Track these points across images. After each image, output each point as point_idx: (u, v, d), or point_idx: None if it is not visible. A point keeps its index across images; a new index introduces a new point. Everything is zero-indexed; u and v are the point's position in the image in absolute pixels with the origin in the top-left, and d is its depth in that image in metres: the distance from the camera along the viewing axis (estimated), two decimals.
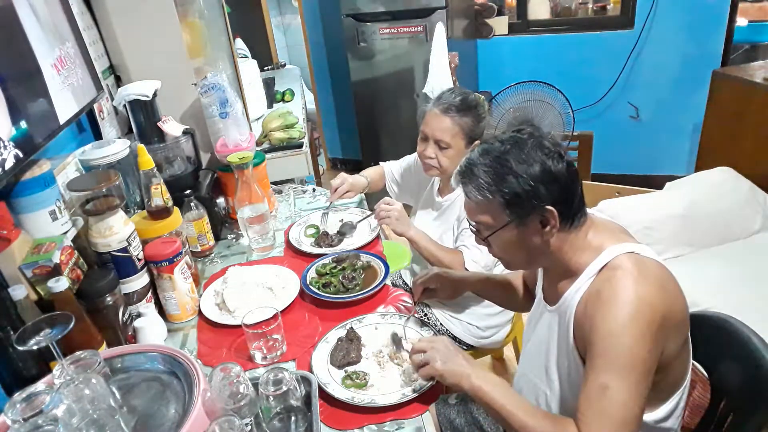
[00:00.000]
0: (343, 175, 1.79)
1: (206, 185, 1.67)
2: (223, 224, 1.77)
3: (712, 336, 1.10)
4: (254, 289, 1.38)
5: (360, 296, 1.36)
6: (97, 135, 1.62)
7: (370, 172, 1.91)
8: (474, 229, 1.05)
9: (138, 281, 1.27)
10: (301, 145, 2.43)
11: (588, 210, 1.03)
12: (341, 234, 1.68)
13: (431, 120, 1.57)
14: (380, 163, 1.96)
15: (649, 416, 0.99)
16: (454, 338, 1.71)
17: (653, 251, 0.99)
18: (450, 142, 1.55)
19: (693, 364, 1.85)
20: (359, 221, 1.70)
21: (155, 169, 1.38)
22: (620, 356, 0.87)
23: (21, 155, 1.01)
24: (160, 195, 1.37)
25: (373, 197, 1.97)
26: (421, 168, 1.68)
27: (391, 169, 1.92)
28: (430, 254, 1.57)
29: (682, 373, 1.01)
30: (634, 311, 0.88)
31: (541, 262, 1.08)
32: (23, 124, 1.04)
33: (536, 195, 0.94)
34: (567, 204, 0.97)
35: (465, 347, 1.73)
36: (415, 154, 1.76)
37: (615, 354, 0.87)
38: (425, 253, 1.58)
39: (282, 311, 1.30)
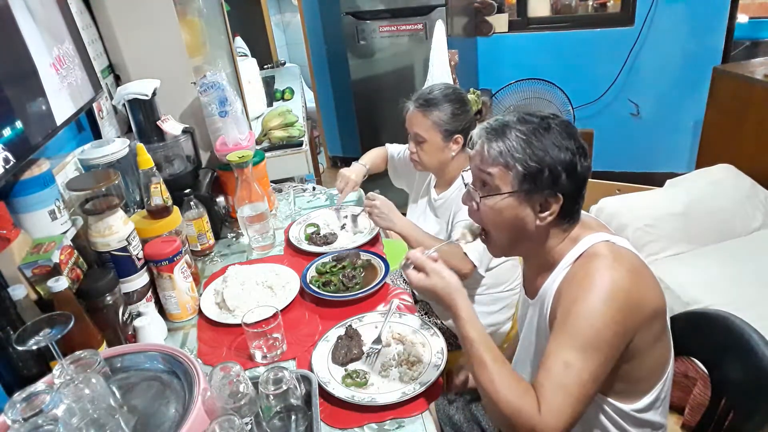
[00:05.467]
0: (342, 173, 1.79)
1: (206, 184, 1.67)
2: (222, 223, 1.77)
3: (713, 333, 1.10)
4: (254, 288, 1.38)
5: (360, 295, 1.36)
6: (97, 134, 1.62)
7: (371, 156, 1.93)
8: (473, 187, 1.03)
9: (138, 280, 1.27)
10: (300, 144, 2.43)
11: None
12: (343, 228, 1.69)
13: (408, 116, 1.63)
14: (388, 145, 1.97)
15: (629, 406, 0.99)
16: (455, 336, 1.71)
17: (628, 243, 1.00)
18: (425, 136, 1.58)
19: (693, 360, 1.86)
20: (356, 215, 1.71)
21: (155, 168, 1.38)
22: (588, 337, 0.87)
23: (12, 159, 1.00)
24: (159, 194, 1.37)
25: (372, 185, 1.97)
26: None
27: (393, 153, 1.95)
28: (418, 246, 1.55)
29: (660, 366, 1.01)
30: (607, 295, 0.89)
31: (522, 247, 1.06)
32: (18, 125, 1.04)
33: (556, 180, 0.95)
34: (573, 200, 0.98)
35: None
36: None
37: (583, 334, 0.88)
38: (416, 246, 1.56)
39: (282, 310, 1.30)
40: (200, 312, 1.37)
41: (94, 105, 1.57)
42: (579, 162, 0.96)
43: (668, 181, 2.53)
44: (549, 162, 0.94)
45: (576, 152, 0.95)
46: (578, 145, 0.96)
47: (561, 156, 0.94)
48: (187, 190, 1.61)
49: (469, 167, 1.07)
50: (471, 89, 2.74)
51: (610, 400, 0.99)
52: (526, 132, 0.96)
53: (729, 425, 1.07)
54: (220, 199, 1.78)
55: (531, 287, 1.10)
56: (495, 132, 0.99)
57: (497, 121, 1.01)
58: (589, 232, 1.00)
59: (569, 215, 1.00)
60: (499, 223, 1.02)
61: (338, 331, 1.23)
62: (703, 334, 1.10)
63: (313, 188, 2.04)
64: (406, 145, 1.89)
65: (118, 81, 1.75)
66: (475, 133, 1.02)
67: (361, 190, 1.91)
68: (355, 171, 1.82)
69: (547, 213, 0.97)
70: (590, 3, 3.58)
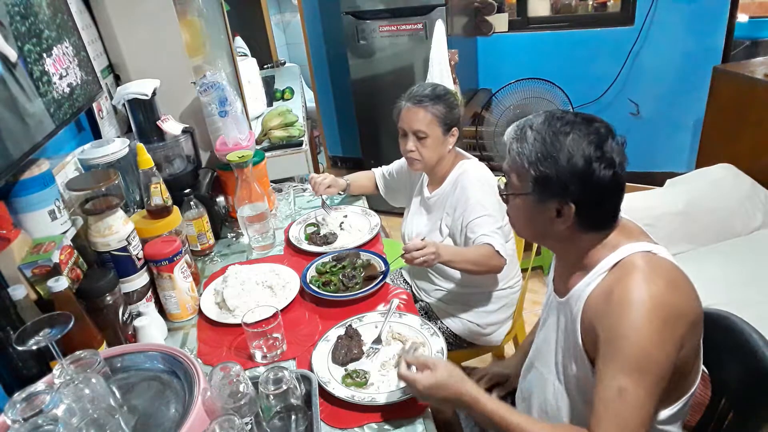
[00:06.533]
0: (312, 176, 1.83)
1: (206, 184, 1.67)
2: (222, 223, 1.77)
3: (713, 333, 1.10)
4: (254, 288, 1.38)
5: (360, 294, 1.36)
6: (97, 134, 1.62)
7: (354, 176, 1.94)
8: (503, 183, 1.06)
9: (138, 280, 1.27)
10: (300, 144, 2.43)
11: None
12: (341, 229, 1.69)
13: (406, 115, 1.62)
14: (375, 168, 1.96)
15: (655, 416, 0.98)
16: (455, 336, 1.71)
17: (667, 252, 0.97)
18: (426, 131, 1.58)
19: None
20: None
21: (155, 168, 1.38)
22: (636, 358, 0.85)
23: None
24: (159, 194, 1.37)
25: (372, 199, 1.97)
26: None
27: (382, 173, 1.93)
28: (465, 263, 1.48)
29: (694, 376, 0.99)
30: (648, 311, 0.86)
31: (550, 245, 1.07)
32: None
33: (564, 187, 0.93)
34: (592, 209, 0.95)
35: (465, 345, 1.73)
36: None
37: (630, 355, 0.85)
38: (461, 267, 1.51)
39: (282, 310, 1.30)
40: (200, 312, 1.37)
41: (94, 105, 1.57)
42: (597, 170, 0.91)
43: (668, 181, 2.53)
44: (559, 169, 0.92)
45: (595, 160, 0.91)
46: (601, 153, 0.92)
47: (573, 162, 0.91)
48: (187, 190, 1.61)
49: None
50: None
51: None
52: (542, 136, 0.94)
53: (729, 425, 1.07)
54: (220, 199, 1.78)
55: (561, 285, 1.07)
56: (519, 131, 0.98)
57: (527, 120, 0.99)
58: (628, 239, 0.97)
59: (592, 223, 0.97)
60: (522, 221, 1.04)
61: (338, 331, 1.23)
62: (704, 334, 1.10)
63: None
64: (395, 162, 1.90)
65: (118, 81, 1.75)
66: (507, 131, 1.02)
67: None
68: (329, 176, 1.83)
69: (562, 219, 0.96)
70: (590, 2, 3.58)
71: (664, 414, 0.98)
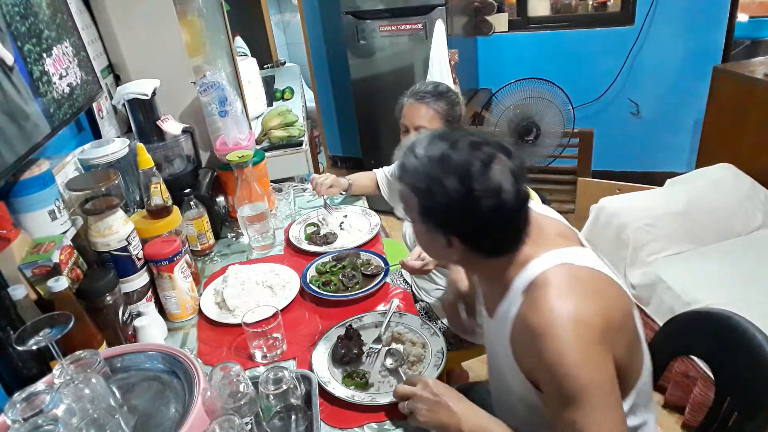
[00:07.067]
0: (313, 177, 1.83)
1: (206, 184, 1.67)
2: (222, 223, 1.77)
3: (716, 333, 1.09)
4: (254, 288, 1.38)
5: (360, 294, 1.36)
6: (96, 134, 1.62)
7: (356, 176, 1.93)
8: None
9: (138, 280, 1.27)
10: (300, 143, 2.43)
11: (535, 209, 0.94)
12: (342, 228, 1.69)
13: (408, 111, 1.63)
14: (376, 169, 1.96)
15: None
16: (455, 336, 1.71)
17: (588, 252, 0.92)
18: (428, 127, 1.60)
19: (693, 360, 1.86)
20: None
21: (154, 168, 1.38)
22: (572, 389, 0.79)
23: None
24: (159, 194, 1.37)
25: (372, 199, 1.97)
26: None
27: (384, 174, 1.93)
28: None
29: (635, 372, 0.93)
30: (570, 336, 0.79)
31: (461, 266, 1.01)
32: None
33: (445, 220, 0.87)
34: (481, 239, 0.88)
35: (465, 345, 1.73)
36: None
37: (566, 389, 0.79)
38: None
39: (282, 310, 1.30)
40: (200, 312, 1.37)
41: (94, 105, 1.57)
42: (476, 202, 0.82)
43: (668, 181, 2.53)
44: (437, 202, 0.84)
45: (472, 191, 0.82)
46: (481, 183, 0.82)
47: (449, 196, 0.83)
48: (187, 190, 1.61)
49: None
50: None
51: None
52: (423, 163, 0.86)
53: (733, 424, 1.07)
54: (220, 199, 1.78)
55: (488, 304, 1.01)
56: (403, 156, 0.89)
57: (413, 142, 0.90)
58: (540, 251, 0.89)
59: (488, 250, 0.90)
60: (424, 246, 0.97)
61: (338, 331, 1.23)
62: (707, 333, 1.10)
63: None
64: (393, 164, 1.90)
65: (117, 81, 1.75)
66: (396, 153, 0.95)
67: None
68: (330, 176, 1.82)
69: (454, 249, 0.89)
70: (590, 2, 3.58)
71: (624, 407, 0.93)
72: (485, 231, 0.87)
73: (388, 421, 1.02)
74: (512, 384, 0.96)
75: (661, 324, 2.02)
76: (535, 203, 1.00)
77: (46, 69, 1.23)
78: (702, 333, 1.12)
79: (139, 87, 1.56)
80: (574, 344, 0.79)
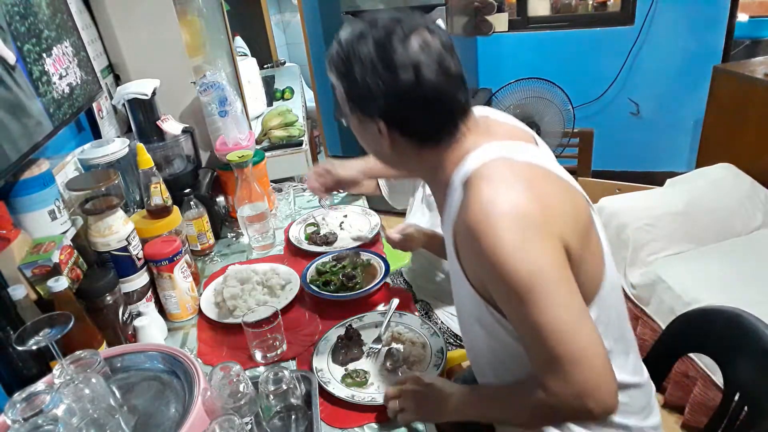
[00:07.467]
0: (324, 166, 1.61)
1: (206, 184, 1.67)
2: (223, 223, 1.77)
3: (725, 330, 1.08)
4: (254, 288, 1.38)
5: (360, 294, 1.36)
6: (96, 134, 1.62)
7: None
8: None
9: (138, 280, 1.27)
10: (301, 143, 2.43)
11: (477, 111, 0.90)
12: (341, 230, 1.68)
13: None
14: None
15: None
16: (455, 336, 1.71)
17: (535, 149, 0.88)
18: None
19: (693, 360, 1.85)
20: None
21: (154, 168, 1.38)
22: (518, 282, 0.74)
23: None
24: (159, 194, 1.37)
25: (372, 199, 1.97)
26: None
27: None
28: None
29: (599, 272, 0.87)
30: (506, 227, 0.74)
31: (401, 166, 0.96)
32: None
33: (367, 102, 0.83)
34: (407, 122, 0.85)
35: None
36: None
37: (511, 283, 0.74)
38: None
39: (282, 310, 1.30)
40: (200, 312, 1.37)
41: (94, 105, 1.57)
42: (397, 77, 0.79)
43: (668, 181, 2.53)
44: (358, 82, 0.81)
45: (387, 67, 0.79)
46: (395, 57, 0.79)
47: (365, 74, 0.80)
48: (187, 190, 1.61)
49: None
50: None
51: None
52: (343, 45, 0.83)
53: (741, 424, 1.07)
54: (220, 199, 1.78)
55: (437, 202, 0.97)
56: (334, 39, 0.86)
57: (341, 31, 0.87)
58: (481, 142, 0.86)
59: (419, 138, 0.86)
60: (363, 143, 0.93)
61: (338, 331, 1.23)
62: (714, 331, 1.09)
63: None
64: None
65: (117, 81, 1.75)
66: None
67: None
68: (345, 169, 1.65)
69: (383, 136, 0.86)
70: (590, 2, 3.58)
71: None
72: (408, 109, 0.83)
73: (388, 422, 1.02)
74: (468, 305, 0.91)
75: (661, 324, 2.03)
76: (494, 110, 0.98)
77: (45, 69, 1.23)
78: (710, 330, 1.12)
79: (139, 87, 1.56)
80: (509, 234, 0.74)
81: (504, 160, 0.82)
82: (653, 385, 1.05)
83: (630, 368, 0.96)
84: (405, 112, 0.83)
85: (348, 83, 0.85)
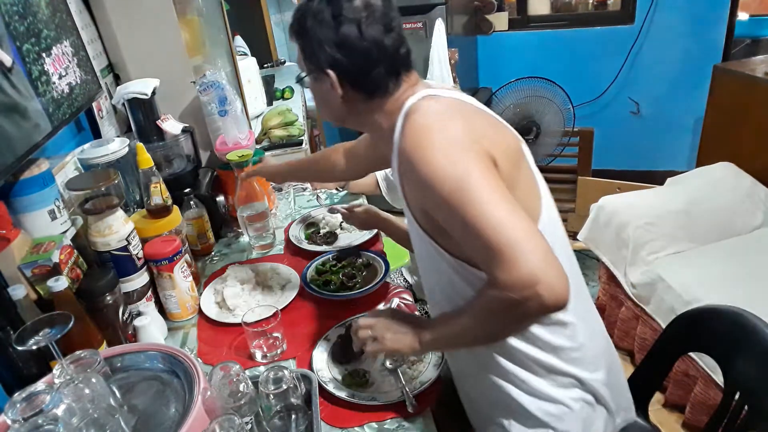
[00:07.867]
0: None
1: (206, 183, 1.67)
2: (223, 223, 1.76)
3: (726, 330, 1.09)
4: (254, 288, 1.38)
5: (360, 294, 1.36)
6: (96, 134, 1.62)
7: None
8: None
9: (138, 280, 1.27)
10: (301, 143, 2.43)
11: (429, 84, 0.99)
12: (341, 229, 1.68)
13: None
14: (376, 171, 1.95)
15: None
16: None
17: (458, 93, 0.98)
18: None
19: (693, 359, 1.85)
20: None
21: (154, 168, 1.37)
22: (453, 190, 0.79)
23: None
24: (159, 193, 1.37)
25: (372, 199, 1.97)
26: None
27: (385, 174, 1.92)
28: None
29: (536, 200, 0.96)
30: (435, 141, 0.84)
31: (351, 122, 1.04)
32: None
33: (319, 53, 0.92)
34: (357, 74, 0.94)
35: None
36: None
37: (447, 193, 0.80)
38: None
39: (282, 309, 1.30)
40: (200, 311, 1.37)
41: (94, 104, 1.57)
42: (348, 32, 0.89)
43: (669, 180, 2.53)
44: (310, 35, 0.91)
45: (341, 17, 0.89)
46: (350, 9, 0.89)
47: (314, 26, 0.91)
48: (187, 190, 1.61)
49: None
50: None
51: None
52: (302, 3, 0.94)
53: (742, 422, 1.07)
54: (220, 199, 1.77)
55: (388, 156, 1.02)
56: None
57: None
58: (416, 92, 0.95)
59: (368, 90, 0.95)
60: (317, 102, 1.04)
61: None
62: (715, 330, 1.09)
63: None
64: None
65: (117, 80, 1.75)
66: None
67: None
68: None
69: (335, 90, 0.94)
70: (590, 1, 3.58)
71: None
72: (354, 59, 0.92)
73: (388, 421, 1.02)
74: (422, 250, 0.99)
75: (662, 323, 2.03)
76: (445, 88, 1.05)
77: (45, 69, 1.23)
78: (711, 330, 1.12)
79: (139, 86, 1.56)
80: (439, 150, 0.83)
81: (432, 96, 0.94)
82: (609, 340, 1.08)
83: (578, 310, 0.97)
84: (352, 61, 0.92)
85: (303, 40, 0.95)
